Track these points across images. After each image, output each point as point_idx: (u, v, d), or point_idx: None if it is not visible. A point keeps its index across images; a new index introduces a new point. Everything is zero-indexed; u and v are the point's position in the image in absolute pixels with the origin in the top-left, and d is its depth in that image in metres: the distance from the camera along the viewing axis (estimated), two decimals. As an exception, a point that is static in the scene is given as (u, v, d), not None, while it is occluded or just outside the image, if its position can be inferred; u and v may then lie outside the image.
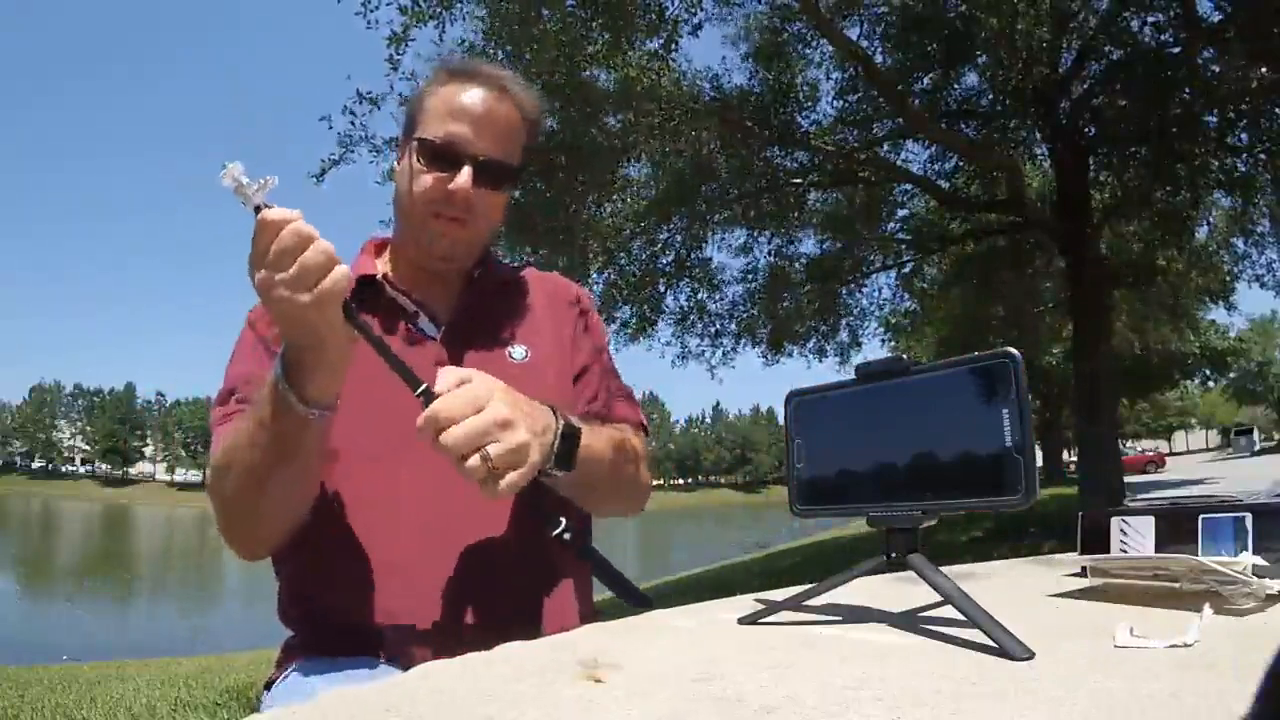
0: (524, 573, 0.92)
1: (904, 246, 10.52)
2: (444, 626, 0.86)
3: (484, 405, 0.72)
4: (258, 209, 0.71)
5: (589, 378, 1.06)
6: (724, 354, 9.98)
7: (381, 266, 1.02)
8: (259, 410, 0.79)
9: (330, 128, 6.88)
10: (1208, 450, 59.76)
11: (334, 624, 0.90)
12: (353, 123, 6.86)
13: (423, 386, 0.74)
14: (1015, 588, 0.81)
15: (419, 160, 0.95)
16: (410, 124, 0.98)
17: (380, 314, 0.96)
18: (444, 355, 0.95)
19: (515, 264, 1.16)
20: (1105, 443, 8.03)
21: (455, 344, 0.97)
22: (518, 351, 1.01)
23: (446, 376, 0.74)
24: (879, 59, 8.06)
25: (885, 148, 8.94)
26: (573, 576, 0.97)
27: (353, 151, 7.08)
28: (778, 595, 0.69)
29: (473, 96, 0.95)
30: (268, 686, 0.93)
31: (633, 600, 0.86)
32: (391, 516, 0.89)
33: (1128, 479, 9.55)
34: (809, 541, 16.26)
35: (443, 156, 0.93)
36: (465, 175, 0.92)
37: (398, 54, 6.21)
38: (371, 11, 5.98)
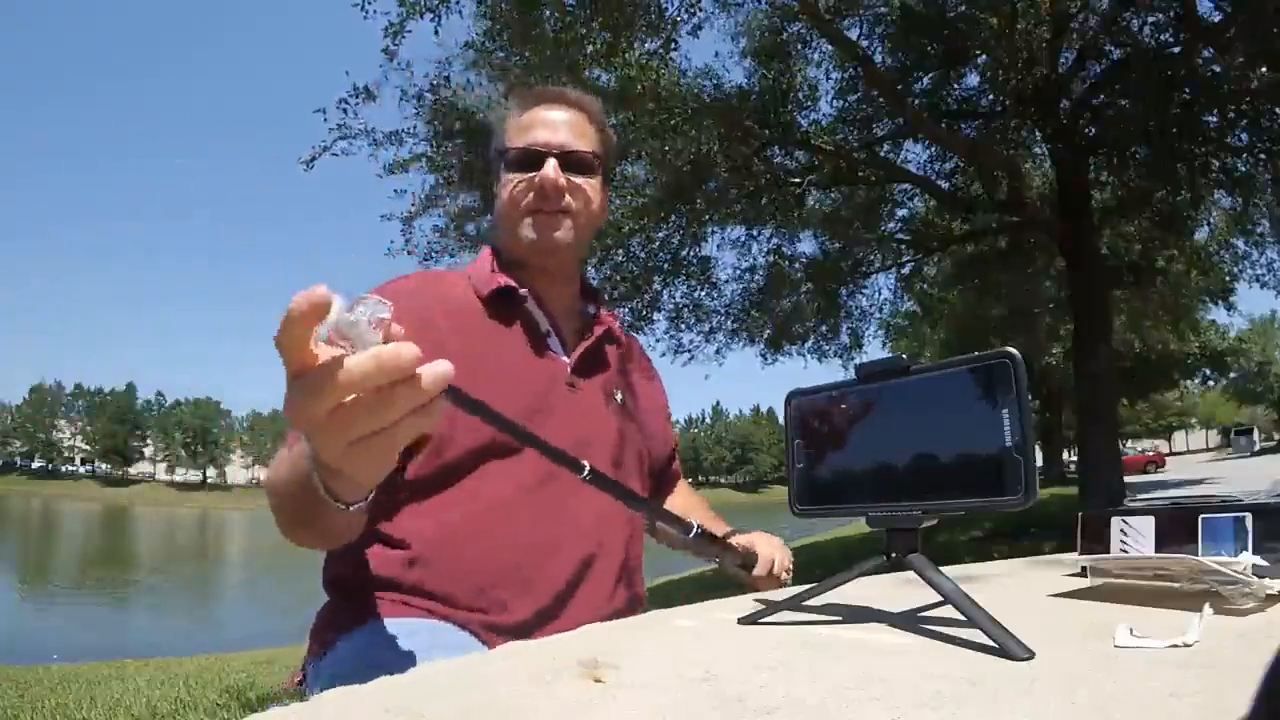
0: (614, 574, 1.00)
1: (904, 247, 10.52)
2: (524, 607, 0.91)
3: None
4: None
5: (667, 446, 1.25)
6: (717, 350, 10.00)
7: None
8: (294, 466, 0.68)
9: (325, 120, 6.87)
10: (1208, 450, 59.76)
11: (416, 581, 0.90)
12: (345, 112, 6.84)
13: (587, 469, 0.71)
14: (1015, 588, 0.81)
15: (508, 172, 1.03)
16: (497, 151, 1.07)
17: (514, 325, 1.02)
18: (573, 379, 1.03)
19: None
20: (1105, 443, 8.03)
21: (581, 372, 1.05)
22: (619, 394, 1.10)
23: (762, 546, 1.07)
24: (879, 59, 8.06)
25: (885, 148, 8.94)
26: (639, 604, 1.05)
27: (348, 141, 7.08)
28: (778, 595, 0.69)
29: (542, 110, 1.04)
30: (316, 658, 0.90)
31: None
32: (510, 506, 0.93)
33: (1128, 479, 9.54)
34: (809, 541, 16.26)
35: (526, 158, 1.01)
36: (550, 166, 1.00)
37: (394, 44, 6.22)
38: (370, 3, 5.99)
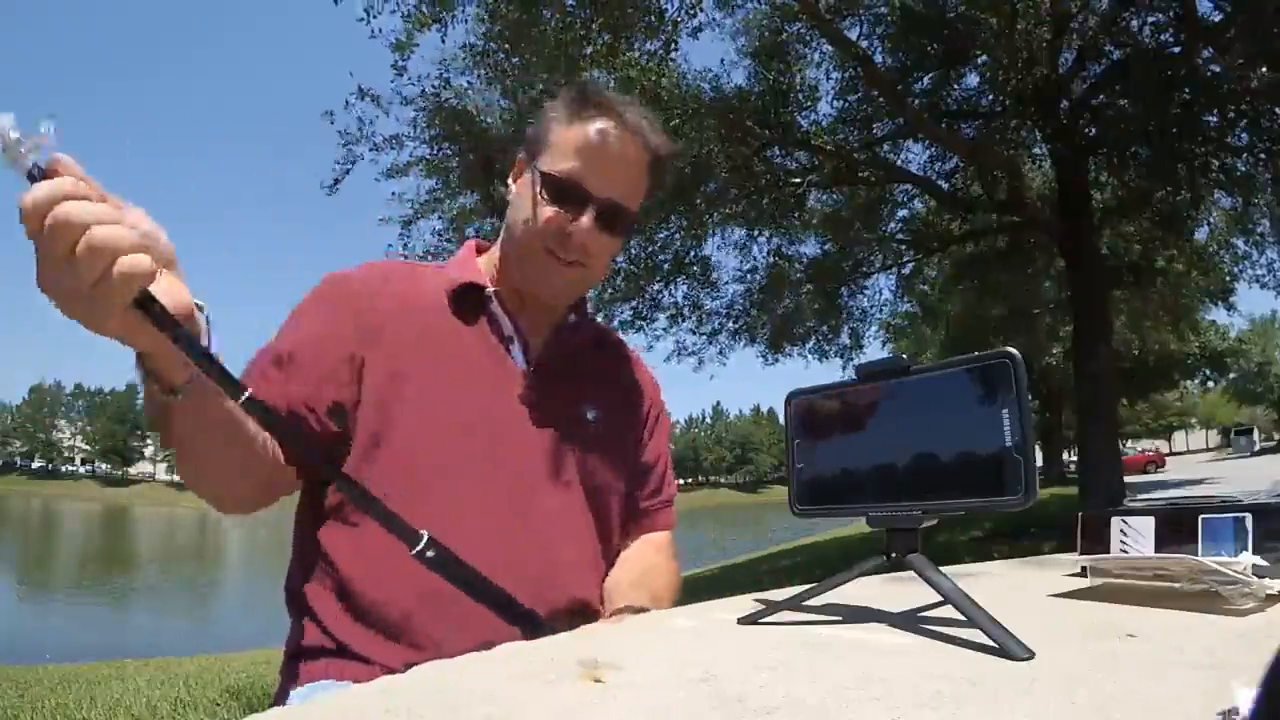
0: (566, 606, 0.89)
1: (904, 247, 10.53)
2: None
3: None
4: (31, 175, 0.54)
5: (652, 477, 1.08)
6: (719, 351, 10.01)
7: (485, 275, 0.99)
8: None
9: (332, 123, 6.90)
10: (1208, 450, 59.76)
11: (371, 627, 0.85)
12: (360, 126, 6.90)
13: (247, 393, 0.69)
14: (1015, 588, 0.81)
15: (541, 193, 0.91)
16: (533, 146, 0.95)
17: (478, 326, 0.95)
18: (528, 392, 0.94)
19: (604, 323, 1.16)
20: (1105, 443, 8.03)
21: (540, 384, 0.95)
22: (591, 413, 0.99)
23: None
24: (879, 59, 8.07)
25: (885, 148, 8.94)
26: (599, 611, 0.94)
27: (352, 150, 7.13)
28: (778, 595, 0.69)
29: (602, 135, 0.91)
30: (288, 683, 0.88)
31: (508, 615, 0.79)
32: (452, 529, 0.84)
33: (1128, 479, 9.54)
34: (809, 541, 16.26)
35: (566, 194, 0.91)
36: (587, 219, 0.90)
37: (402, 59, 6.25)
38: (374, 18, 6.00)
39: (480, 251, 1.05)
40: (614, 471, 1.00)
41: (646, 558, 1.04)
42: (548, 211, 0.91)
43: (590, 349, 1.04)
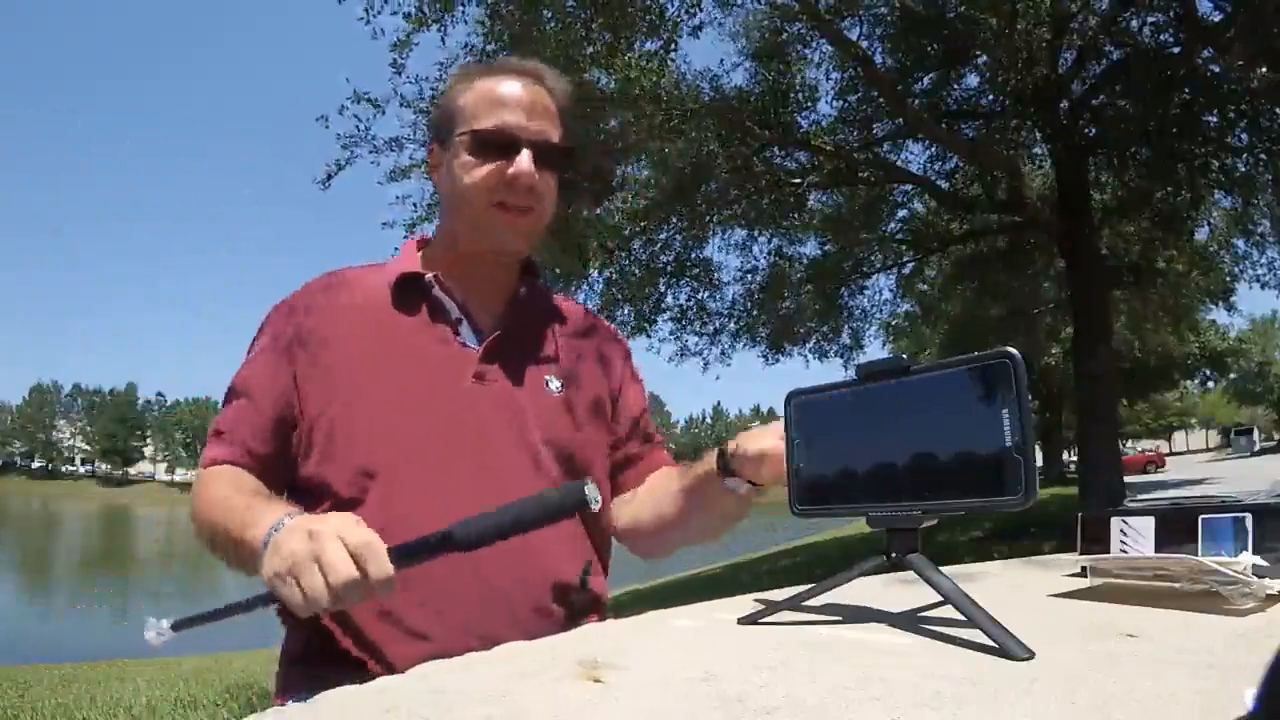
0: (541, 600, 0.88)
1: (904, 247, 10.53)
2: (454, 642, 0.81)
3: None
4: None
5: (637, 428, 1.08)
6: (722, 352, 10.00)
7: (425, 265, 0.99)
8: (234, 538, 0.80)
9: (327, 127, 6.90)
10: (1208, 450, 59.72)
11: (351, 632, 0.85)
12: (357, 127, 6.90)
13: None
14: (1015, 588, 0.81)
15: (471, 154, 0.92)
16: (446, 125, 0.96)
17: (421, 314, 0.95)
18: (481, 369, 0.93)
19: (558, 292, 1.15)
20: (1105, 443, 8.02)
21: (494, 360, 0.94)
22: (554, 383, 0.98)
23: None
24: (879, 59, 8.06)
25: (885, 148, 8.94)
26: (591, 608, 0.93)
27: (353, 152, 7.14)
28: (778, 595, 0.69)
29: (512, 86, 0.94)
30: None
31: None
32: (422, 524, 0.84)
33: (1128, 479, 9.54)
34: (809, 541, 16.25)
35: (497, 144, 0.91)
36: (526, 158, 0.91)
37: (401, 59, 6.25)
38: (374, 17, 6.00)
39: (422, 246, 1.05)
40: (588, 437, 0.99)
41: (655, 482, 1.05)
42: (485, 167, 0.92)
43: (546, 318, 1.03)
